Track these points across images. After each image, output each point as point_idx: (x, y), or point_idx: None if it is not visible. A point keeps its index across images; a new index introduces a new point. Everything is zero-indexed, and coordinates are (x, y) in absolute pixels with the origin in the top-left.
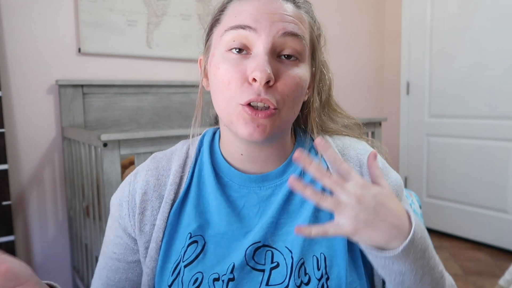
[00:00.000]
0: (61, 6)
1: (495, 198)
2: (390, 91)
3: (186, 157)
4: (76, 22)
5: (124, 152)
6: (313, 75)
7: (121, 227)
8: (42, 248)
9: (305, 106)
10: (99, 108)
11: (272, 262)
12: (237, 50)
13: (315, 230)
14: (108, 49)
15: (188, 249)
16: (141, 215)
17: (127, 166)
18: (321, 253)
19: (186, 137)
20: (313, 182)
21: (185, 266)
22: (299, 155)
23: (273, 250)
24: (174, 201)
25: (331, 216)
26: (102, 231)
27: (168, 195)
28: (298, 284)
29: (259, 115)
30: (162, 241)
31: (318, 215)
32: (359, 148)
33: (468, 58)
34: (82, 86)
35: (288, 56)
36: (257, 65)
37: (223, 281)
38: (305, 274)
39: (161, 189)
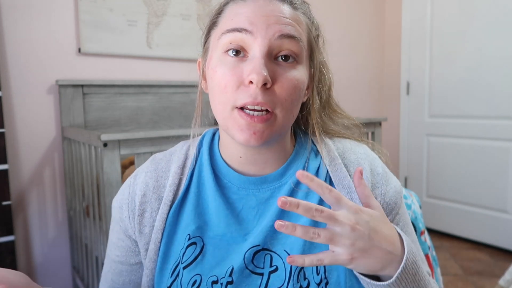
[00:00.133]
0: (61, 6)
1: (495, 198)
2: (390, 91)
3: (186, 158)
4: (76, 22)
5: (124, 152)
6: (311, 76)
7: (122, 230)
8: (42, 248)
9: (305, 107)
10: (99, 108)
11: (271, 266)
12: (234, 52)
13: (309, 259)
14: (108, 49)
15: (187, 250)
16: (140, 217)
17: (127, 166)
18: None
19: (186, 137)
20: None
21: (184, 268)
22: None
23: (272, 253)
24: (173, 202)
25: None
26: (102, 231)
27: (167, 196)
28: None
29: (255, 120)
30: (161, 242)
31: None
32: (360, 152)
33: (468, 58)
34: (82, 86)
35: (285, 58)
36: (254, 68)
37: (221, 284)
38: (304, 278)
39: (160, 190)
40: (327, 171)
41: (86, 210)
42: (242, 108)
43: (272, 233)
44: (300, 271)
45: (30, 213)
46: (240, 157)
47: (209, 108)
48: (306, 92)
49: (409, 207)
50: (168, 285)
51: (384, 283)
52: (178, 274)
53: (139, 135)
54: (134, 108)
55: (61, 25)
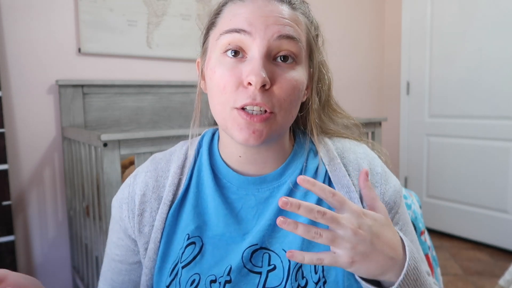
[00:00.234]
0: (61, 6)
1: (495, 198)
2: (390, 91)
3: (185, 158)
4: (76, 22)
5: (124, 152)
6: (311, 76)
7: (122, 229)
8: (42, 248)
9: (304, 107)
10: (99, 108)
11: (269, 265)
12: (233, 53)
13: (309, 257)
14: (108, 49)
15: (186, 250)
16: (140, 217)
17: (127, 166)
18: None
19: (186, 137)
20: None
21: (182, 267)
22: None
23: (270, 252)
24: (172, 202)
25: None
26: (102, 231)
27: (167, 196)
28: (295, 287)
29: (255, 119)
30: (160, 241)
31: None
32: (359, 151)
33: (468, 58)
34: (82, 86)
35: (284, 59)
36: (252, 69)
37: (220, 283)
38: (302, 277)
39: (160, 190)
40: (326, 170)
41: (86, 210)
42: (241, 108)
43: (271, 232)
44: (298, 270)
45: (30, 213)
46: (240, 156)
47: (209, 108)
48: (306, 92)
49: (409, 207)
50: (167, 284)
51: None
52: (177, 274)
53: (139, 135)
54: (134, 108)
55: (61, 25)
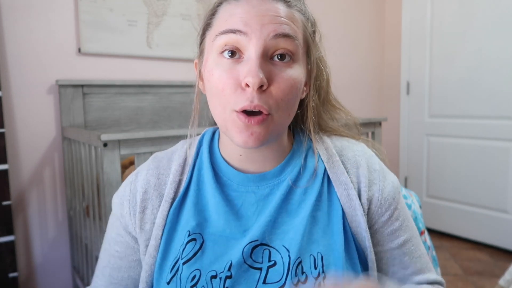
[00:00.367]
0: (61, 6)
1: (495, 198)
2: (390, 91)
3: (186, 157)
4: (76, 22)
5: (124, 152)
6: (309, 73)
7: (122, 226)
8: (42, 248)
9: (303, 104)
10: (99, 108)
11: (269, 261)
12: (230, 54)
13: None
14: (108, 49)
15: (187, 246)
16: (141, 214)
17: (127, 166)
18: (318, 252)
19: (186, 137)
20: (310, 182)
21: (183, 263)
22: None
23: (270, 248)
24: (173, 199)
25: (328, 216)
26: (102, 231)
27: (168, 193)
28: (295, 283)
29: (252, 121)
30: (161, 238)
31: (315, 215)
32: (357, 149)
33: (468, 58)
34: (82, 86)
35: (281, 58)
36: (249, 70)
37: (220, 278)
38: (302, 273)
39: (161, 188)
40: (325, 168)
41: (86, 210)
42: (240, 111)
43: (271, 228)
44: (298, 265)
45: (30, 213)
46: (240, 155)
47: (208, 108)
48: (305, 88)
49: (409, 207)
50: (168, 280)
51: None
52: (177, 270)
53: (139, 135)
54: (134, 108)
55: (61, 25)
